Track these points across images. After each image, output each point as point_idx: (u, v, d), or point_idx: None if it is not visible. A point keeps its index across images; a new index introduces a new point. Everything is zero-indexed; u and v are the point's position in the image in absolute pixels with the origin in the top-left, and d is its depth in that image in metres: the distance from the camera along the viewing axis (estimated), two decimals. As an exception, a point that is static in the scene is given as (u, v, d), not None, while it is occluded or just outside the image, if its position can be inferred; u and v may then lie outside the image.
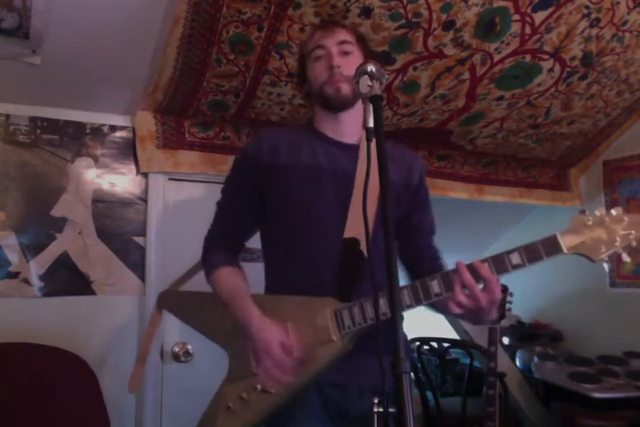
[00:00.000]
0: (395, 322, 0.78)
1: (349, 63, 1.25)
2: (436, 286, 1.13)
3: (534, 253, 1.09)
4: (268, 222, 1.36)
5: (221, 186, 1.42)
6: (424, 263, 1.38)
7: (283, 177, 1.29)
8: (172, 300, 1.64)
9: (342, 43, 1.29)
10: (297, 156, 1.30)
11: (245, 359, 1.24)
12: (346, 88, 1.25)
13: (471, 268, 1.10)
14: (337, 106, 1.29)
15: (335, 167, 1.29)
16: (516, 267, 1.10)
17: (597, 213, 1.10)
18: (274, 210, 1.33)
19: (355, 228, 1.24)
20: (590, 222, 1.09)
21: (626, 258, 1.07)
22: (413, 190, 1.37)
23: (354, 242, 1.24)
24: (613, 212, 1.09)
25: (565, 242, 1.09)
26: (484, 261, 1.11)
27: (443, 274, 1.14)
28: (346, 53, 1.29)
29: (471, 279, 1.09)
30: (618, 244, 1.07)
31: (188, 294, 1.62)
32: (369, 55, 1.34)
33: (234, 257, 1.40)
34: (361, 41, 1.35)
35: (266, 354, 1.16)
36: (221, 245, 1.40)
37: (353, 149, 1.30)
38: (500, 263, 1.11)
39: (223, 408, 1.25)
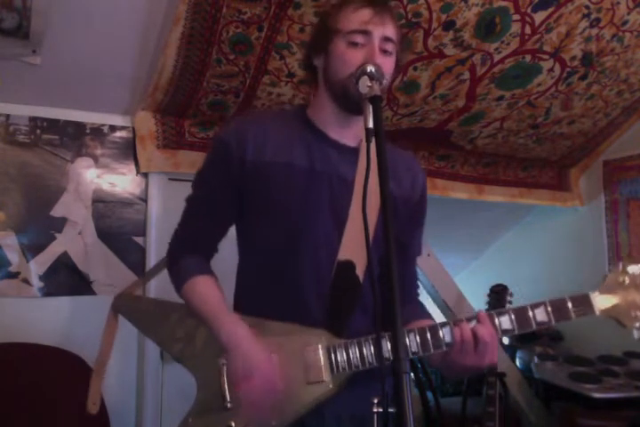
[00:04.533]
0: (395, 322, 0.77)
1: (387, 66, 1.09)
2: (448, 334, 1.02)
3: (562, 311, 1.01)
4: (247, 227, 1.18)
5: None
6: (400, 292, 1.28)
7: (267, 177, 1.11)
8: (131, 305, 1.41)
9: (387, 40, 1.09)
10: (287, 153, 1.12)
11: (216, 390, 1.08)
12: None
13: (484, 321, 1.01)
14: (356, 110, 1.04)
15: (331, 172, 1.12)
16: (540, 324, 1.01)
17: (633, 271, 1.03)
18: (254, 215, 1.15)
19: (351, 248, 1.09)
20: (627, 283, 1.02)
21: None
22: (413, 206, 1.22)
23: (349, 266, 1.10)
24: None
25: (598, 303, 1.01)
26: (501, 313, 1.02)
27: (456, 322, 1.03)
28: (385, 52, 1.09)
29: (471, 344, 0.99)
30: None
31: (150, 302, 1.46)
32: (399, 62, 1.16)
33: (207, 263, 1.22)
34: (401, 43, 1.15)
35: (247, 384, 1.02)
36: (193, 249, 1.21)
37: (353, 153, 1.14)
38: (522, 318, 1.02)
39: None
